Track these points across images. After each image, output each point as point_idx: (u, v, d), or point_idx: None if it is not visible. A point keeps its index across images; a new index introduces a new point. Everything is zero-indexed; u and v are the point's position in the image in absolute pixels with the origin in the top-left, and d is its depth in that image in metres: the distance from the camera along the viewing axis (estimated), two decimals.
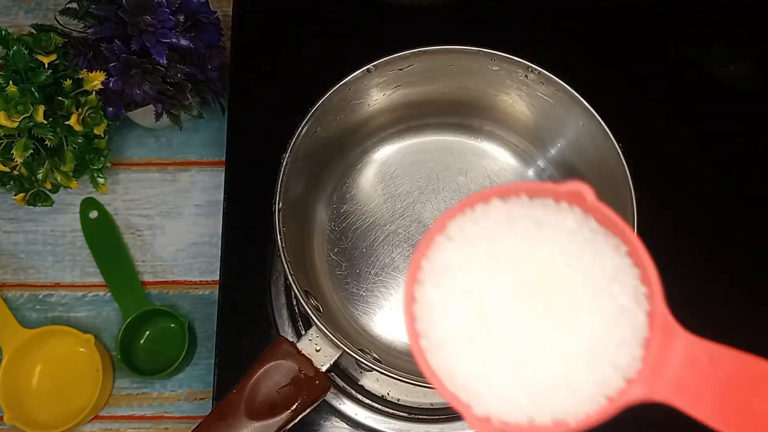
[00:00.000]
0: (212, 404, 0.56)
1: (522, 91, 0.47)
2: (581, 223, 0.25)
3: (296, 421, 0.41)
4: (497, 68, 0.46)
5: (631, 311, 0.24)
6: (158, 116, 0.56)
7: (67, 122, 0.54)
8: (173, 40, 0.53)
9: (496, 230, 0.25)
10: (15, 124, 0.52)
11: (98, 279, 0.61)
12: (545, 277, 0.24)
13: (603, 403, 0.23)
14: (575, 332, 0.23)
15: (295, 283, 0.41)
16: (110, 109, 0.55)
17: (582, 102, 0.44)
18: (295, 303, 0.56)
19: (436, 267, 0.25)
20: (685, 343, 0.23)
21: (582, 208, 0.25)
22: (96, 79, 0.53)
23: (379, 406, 0.54)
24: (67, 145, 0.54)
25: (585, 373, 0.23)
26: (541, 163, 0.54)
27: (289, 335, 0.55)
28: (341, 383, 0.54)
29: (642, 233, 0.41)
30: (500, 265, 0.24)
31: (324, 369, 0.41)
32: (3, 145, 0.53)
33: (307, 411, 0.41)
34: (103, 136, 0.57)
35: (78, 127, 0.54)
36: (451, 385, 0.24)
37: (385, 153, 0.54)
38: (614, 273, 0.24)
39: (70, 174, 0.56)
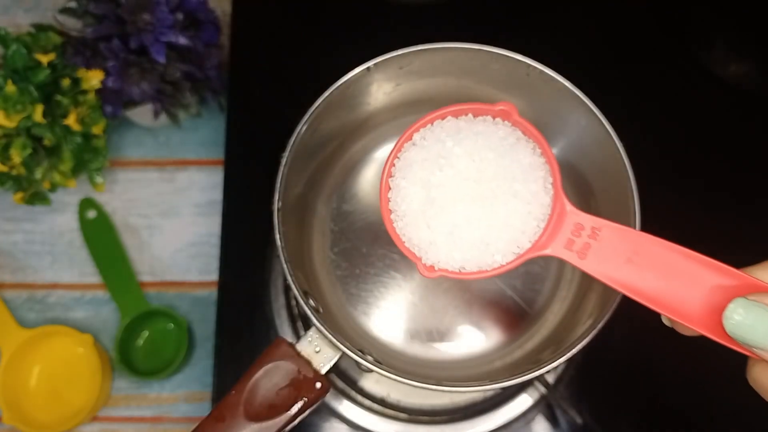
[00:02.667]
0: (211, 405, 0.56)
1: (523, 89, 0.46)
2: (509, 133, 0.34)
3: (296, 422, 0.40)
4: (498, 66, 0.45)
5: (539, 195, 0.33)
6: (156, 115, 0.56)
7: (65, 121, 0.54)
8: (172, 38, 0.53)
9: (447, 138, 0.34)
10: (14, 124, 0.51)
11: (96, 279, 0.61)
12: (479, 171, 0.32)
13: (512, 257, 0.33)
14: (497, 209, 0.32)
15: (294, 284, 0.41)
16: (108, 107, 0.55)
17: (584, 101, 0.43)
18: (294, 303, 0.56)
19: (403, 164, 0.34)
20: (575, 216, 0.32)
21: (511, 122, 0.34)
22: (94, 78, 0.53)
23: (380, 408, 0.53)
24: (66, 145, 0.54)
25: (500, 236, 0.32)
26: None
27: (289, 336, 0.55)
28: (341, 385, 0.54)
29: (645, 231, 0.41)
30: (447, 162, 0.33)
31: (323, 370, 0.41)
32: (1, 144, 0.52)
33: (307, 413, 0.41)
34: (101, 135, 0.57)
35: (76, 127, 0.54)
36: (409, 244, 0.34)
37: (385, 152, 0.54)
38: (529, 168, 0.33)
39: (69, 173, 0.55)
